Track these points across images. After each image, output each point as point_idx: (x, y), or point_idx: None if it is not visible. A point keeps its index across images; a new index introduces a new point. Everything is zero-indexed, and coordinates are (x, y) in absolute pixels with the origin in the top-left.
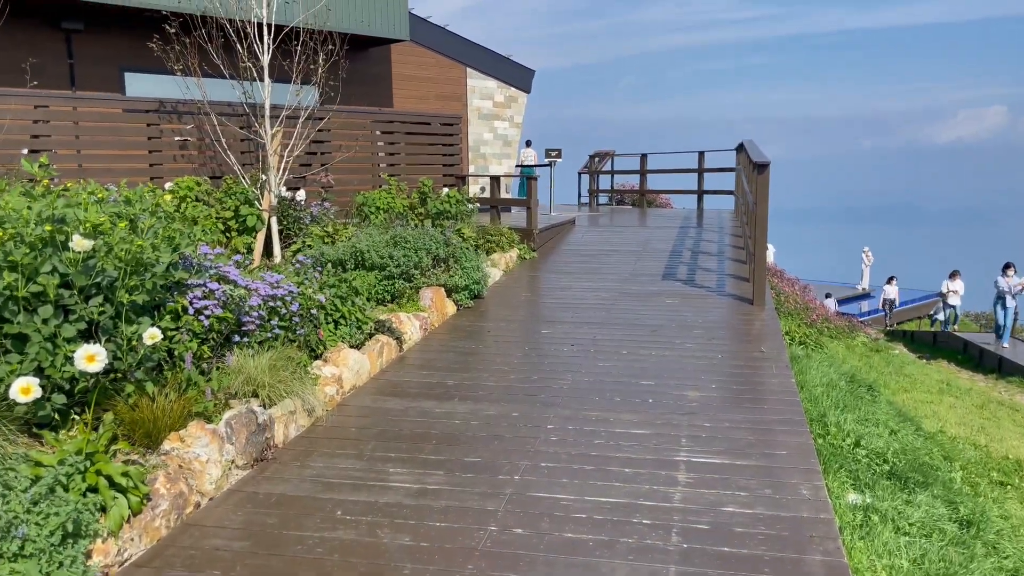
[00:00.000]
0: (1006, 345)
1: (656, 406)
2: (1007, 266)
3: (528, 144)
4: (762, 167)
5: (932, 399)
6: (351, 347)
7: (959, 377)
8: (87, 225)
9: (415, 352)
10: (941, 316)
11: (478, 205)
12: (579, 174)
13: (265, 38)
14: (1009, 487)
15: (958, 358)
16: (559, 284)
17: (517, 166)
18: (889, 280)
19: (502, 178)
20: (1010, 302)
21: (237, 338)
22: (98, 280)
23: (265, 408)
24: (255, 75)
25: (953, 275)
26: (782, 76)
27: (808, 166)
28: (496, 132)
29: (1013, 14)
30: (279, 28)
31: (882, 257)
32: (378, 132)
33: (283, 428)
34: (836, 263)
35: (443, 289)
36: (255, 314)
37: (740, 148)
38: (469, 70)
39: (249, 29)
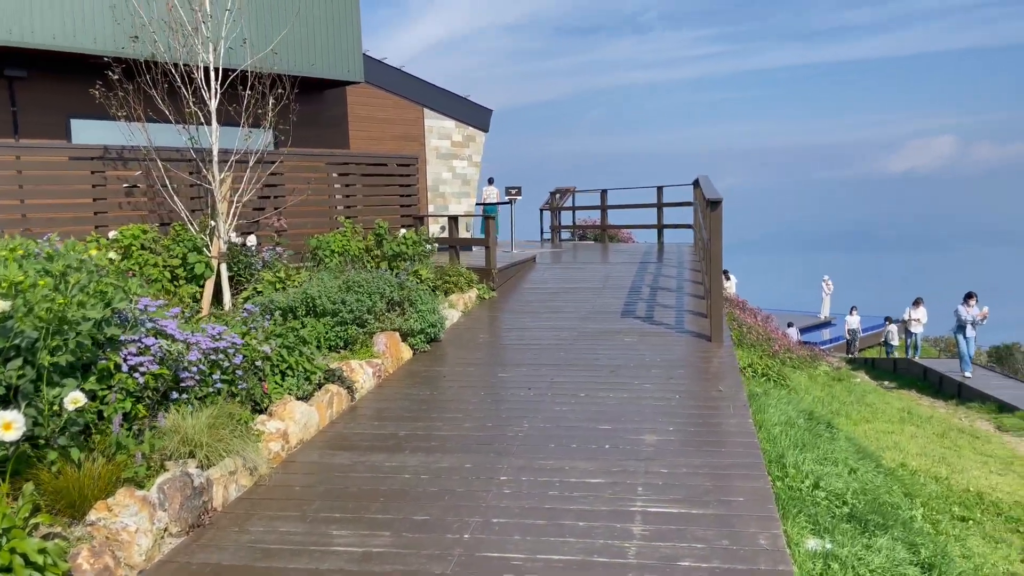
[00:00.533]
0: (967, 374)
1: (613, 452)
2: (969, 296)
3: (490, 182)
4: (714, 204)
5: (893, 429)
6: (299, 399)
7: (920, 404)
8: (5, 284)
9: (367, 401)
10: (894, 341)
11: (436, 246)
12: (541, 210)
13: (212, 82)
14: (971, 522)
15: (919, 385)
16: (518, 324)
17: (478, 204)
18: (852, 310)
19: (462, 217)
20: (971, 332)
21: (176, 395)
22: (17, 342)
23: (203, 469)
24: (203, 120)
25: (916, 303)
26: (740, 110)
27: (767, 196)
28: (455, 171)
29: (958, 48)
30: (227, 72)
31: (842, 284)
32: (334, 174)
33: (222, 490)
34: (797, 291)
35: (398, 334)
36: (195, 369)
37: (696, 183)
38: (426, 110)
39: (196, 74)
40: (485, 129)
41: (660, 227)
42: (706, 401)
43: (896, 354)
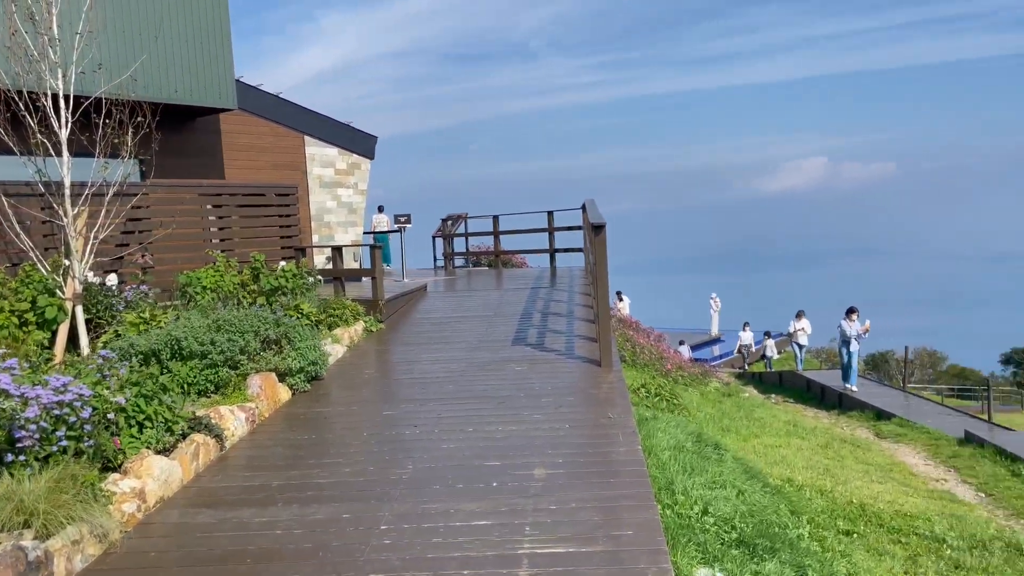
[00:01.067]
0: (853, 388)
1: (500, 490)
2: (851, 311)
3: (380, 210)
4: (598, 228)
5: (780, 442)
6: (159, 453)
7: (805, 416)
8: None
9: (239, 450)
10: (771, 354)
11: (320, 278)
12: (434, 238)
13: (62, 110)
14: (855, 535)
15: (803, 396)
16: (406, 357)
17: (367, 233)
18: (744, 326)
19: (347, 247)
20: (854, 346)
21: (11, 457)
22: None
23: (41, 540)
24: (52, 150)
25: (799, 315)
26: (624, 136)
27: (655, 219)
28: (340, 200)
29: (826, 74)
30: (81, 99)
31: (729, 302)
32: (207, 206)
33: (65, 562)
34: (687, 310)
35: (275, 374)
36: (33, 427)
37: (584, 208)
38: (308, 138)
39: (42, 101)
40: (370, 156)
41: (552, 251)
42: (596, 429)
43: (772, 367)
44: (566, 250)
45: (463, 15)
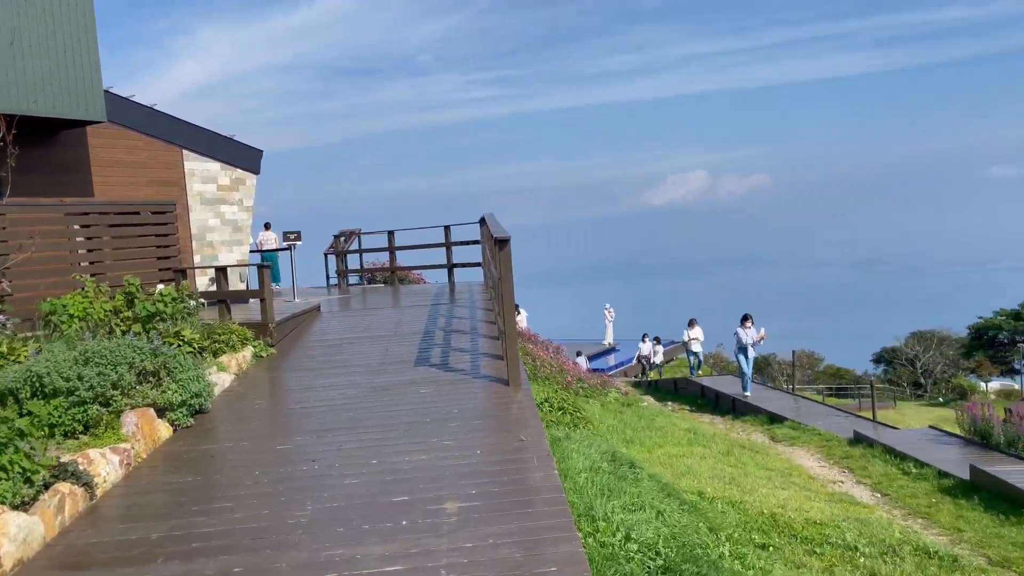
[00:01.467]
0: (749, 394)
1: (411, 529)
2: (745, 318)
3: (267, 227)
4: (502, 242)
5: (684, 451)
6: (16, 508)
7: (702, 422)
8: None
9: (113, 498)
10: (658, 360)
11: (204, 301)
12: (326, 255)
13: None
14: (771, 548)
15: (698, 403)
16: (301, 384)
17: (254, 251)
18: (644, 337)
19: (232, 267)
20: (751, 352)
21: None
22: None
23: None
24: None
25: (691, 323)
26: (517, 150)
27: (548, 231)
28: (224, 218)
29: (708, 90)
30: None
31: (622, 311)
32: (75, 226)
33: None
34: (582, 320)
35: (152, 409)
36: None
37: (483, 221)
38: (187, 152)
39: None
40: (256, 171)
41: (450, 266)
42: (509, 454)
43: (652, 375)
44: (464, 265)
45: (350, 29)
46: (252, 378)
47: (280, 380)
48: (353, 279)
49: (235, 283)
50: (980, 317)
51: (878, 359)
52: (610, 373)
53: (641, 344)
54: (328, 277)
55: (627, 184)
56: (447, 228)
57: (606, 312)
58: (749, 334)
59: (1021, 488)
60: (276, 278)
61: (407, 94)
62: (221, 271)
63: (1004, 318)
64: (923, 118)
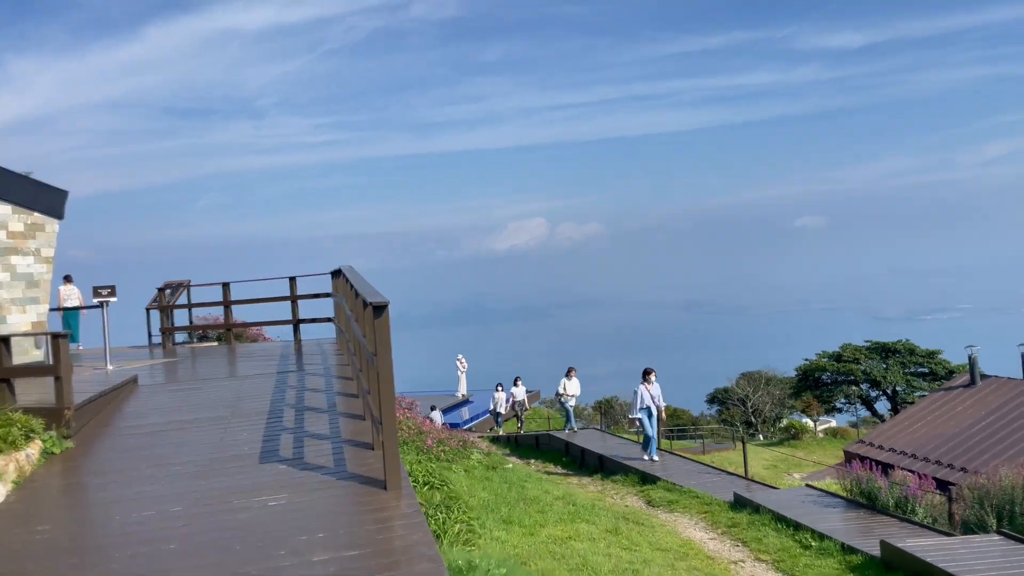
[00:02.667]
0: (655, 458)
1: None
2: (648, 372)
3: (67, 280)
4: (379, 309)
5: (568, 532)
6: None
7: (572, 485)
8: None
9: None
10: (501, 409)
11: None
12: (148, 310)
13: None
14: None
15: (563, 460)
16: (104, 497)
17: (54, 310)
18: (516, 381)
19: (17, 337)
20: (655, 410)
21: None
22: None
23: None
24: None
25: (569, 372)
26: (361, 196)
27: (392, 277)
28: (16, 271)
29: (542, 142)
30: None
31: (473, 357)
32: None
33: None
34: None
35: None
36: None
37: (338, 273)
38: None
39: None
40: (58, 216)
41: (296, 322)
42: None
43: (506, 427)
44: (313, 320)
45: (185, 69)
46: (37, 488)
47: (77, 491)
48: (180, 337)
49: (30, 352)
50: (806, 359)
51: (712, 399)
52: (466, 427)
53: (514, 388)
54: (150, 336)
55: (468, 231)
56: (292, 279)
57: (458, 362)
58: (654, 390)
59: (942, 569)
60: (74, 339)
61: (248, 136)
62: (3, 341)
63: (827, 359)
64: (737, 172)
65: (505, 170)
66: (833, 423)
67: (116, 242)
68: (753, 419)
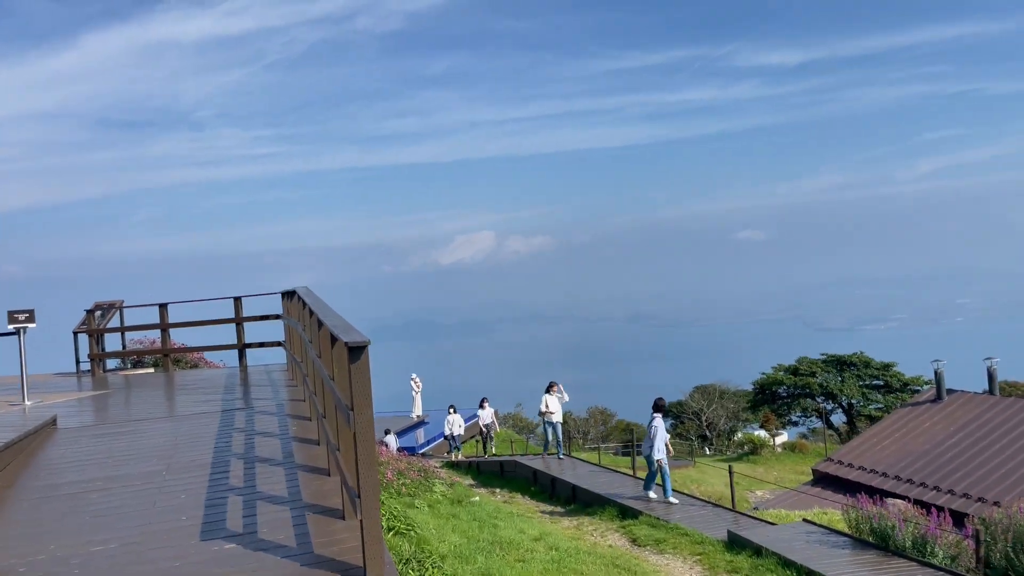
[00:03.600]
0: (674, 501)
1: None
2: (660, 406)
3: None
4: (356, 350)
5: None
6: None
7: (547, 522)
8: None
9: None
10: (458, 431)
11: None
12: (75, 334)
13: None
14: None
15: (531, 490)
16: None
17: None
18: (482, 402)
19: None
20: (660, 445)
21: None
22: None
23: None
24: None
25: (550, 388)
26: (302, 209)
27: (339, 291)
28: None
29: (489, 156)
30: None
31: (416, 372)
32: None
33: None
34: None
35: None
36: None
37: (291, 295)
38: None
39: None
40: None
41: (241, 347)
42: None
43: (460, 453)
44: (261, 344)
45: (120, 80)
46: None
47: None
48: (112, 363)
49: None
50: (763, 373)
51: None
52: (421, 451)
53: (480, 411)
54: (78, 362)
55: (416, 244)
56: (238, 300)
57: (412, 383)
58: (659, 425)
59: None
60: None
61: (186, 148)
62: None
63: (784, 373)
64: (681, 186)
65: (452, 184)
66: (784, 436)
67: (48, 257)
68: (708, 433)
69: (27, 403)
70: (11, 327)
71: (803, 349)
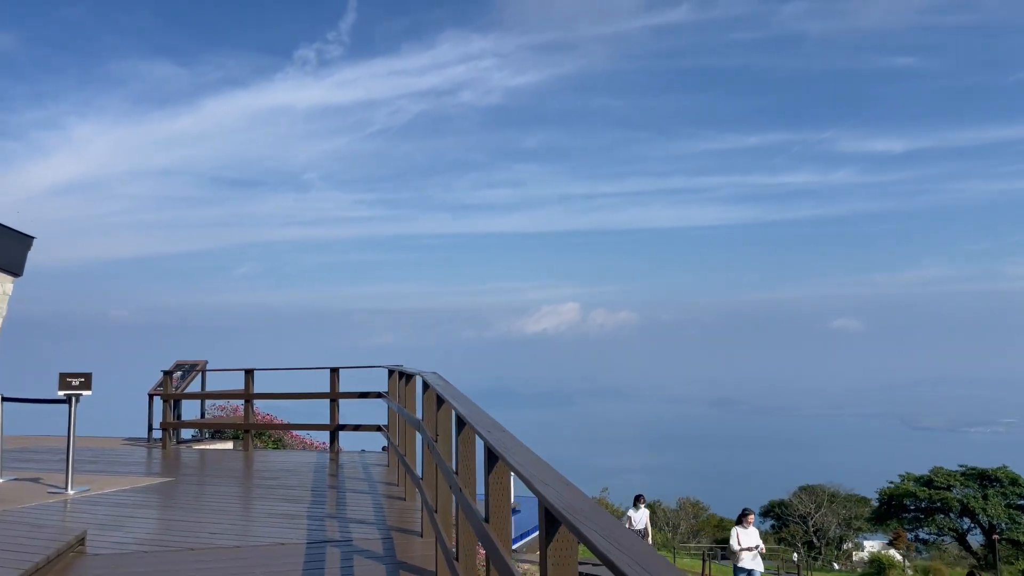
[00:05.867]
0: None
1: None
2: (745, 514)
3: None
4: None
5: None
6: None
7: None
8: None
9: None
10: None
11: None
12: (151, 396)
13: None
14: None
15: None
16: None
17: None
18: (636, 501)
19: None
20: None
21: None
22: None
23: None
24: None
25: (636, 502)
26: (393, 271)
27: (422, 354)
28: None
29: (578, 228)
30: None
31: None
32: None
33: None
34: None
35: None
36: None
37: (407, 378)
38: None
39: None
40: (15, 272)
41: (335, 428)
42: None
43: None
44: (356, 427)
45: (236, 141)
46: None
47: None
48: (187, 434)
49: None
50: (890, 482)
51: (766, 512)
52: (516, 545)
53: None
54: (150, 429)
55: (501, 312)
56: (335, 371)
57: None
58: (750, 537)
59: None
60: None
61: (291, 208)
62: None
63: (915, 484)
64: (772, 270)
65: (540, 254)
66: (898, 554)
67: (154, 303)
68: (816, 540)
69: (70, 492)
70: (61, 393)
71: (901, 448)
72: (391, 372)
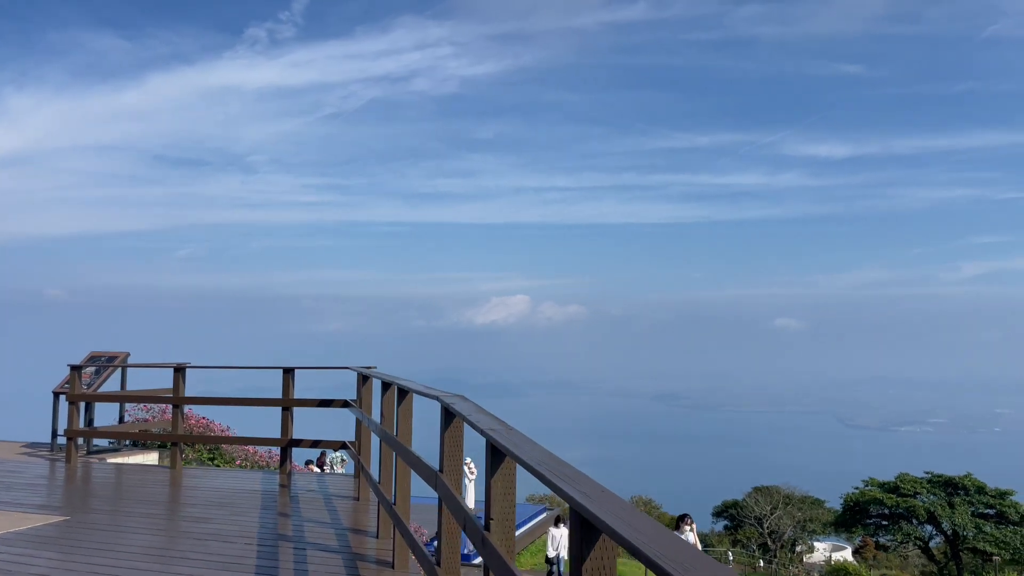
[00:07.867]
0: None
1: None
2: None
3: None
4: None
5: None
6: None
7: None
8: None
9: None
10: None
11: None
12: (55, 394)
13: None
14: None
15: None
16: None
17: None
18: (556, 521)
19: None
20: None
21: None
22: None
23: None
24: None
25: (557, 522)
26: (343, 257)
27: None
28: None
29: (530, 221)
30: None
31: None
32: None
33: None
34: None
35: None
36: None
37: (386, 387)
38: None
39: None
40: None
41: (287, 443)
42: None
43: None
44: (315, 443)
45: (181, 120)
46: None
47: None
48: (100, 442)
49: None
50: (855, 488)
51: (720, 512)
52: (476, 560)
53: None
54: (54, 435)
55: (452, 301)
56: (288, 373)
57: (466, 468)
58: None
59: None
60: None
61: (236, 190)
62: None
63: (880, 490)
64: (718, 268)
65: (492, 245)
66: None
67: (91, 284)
68: (770, 542)
69: None
70: None
71: (838, 445)
72: (361, 376)
